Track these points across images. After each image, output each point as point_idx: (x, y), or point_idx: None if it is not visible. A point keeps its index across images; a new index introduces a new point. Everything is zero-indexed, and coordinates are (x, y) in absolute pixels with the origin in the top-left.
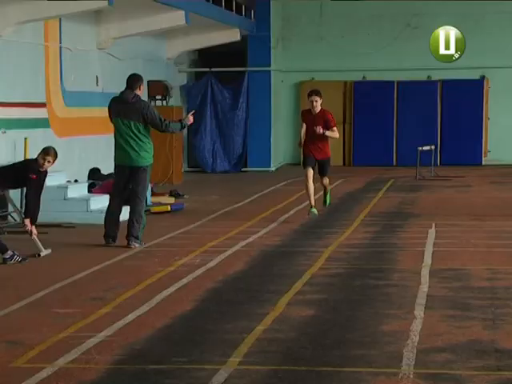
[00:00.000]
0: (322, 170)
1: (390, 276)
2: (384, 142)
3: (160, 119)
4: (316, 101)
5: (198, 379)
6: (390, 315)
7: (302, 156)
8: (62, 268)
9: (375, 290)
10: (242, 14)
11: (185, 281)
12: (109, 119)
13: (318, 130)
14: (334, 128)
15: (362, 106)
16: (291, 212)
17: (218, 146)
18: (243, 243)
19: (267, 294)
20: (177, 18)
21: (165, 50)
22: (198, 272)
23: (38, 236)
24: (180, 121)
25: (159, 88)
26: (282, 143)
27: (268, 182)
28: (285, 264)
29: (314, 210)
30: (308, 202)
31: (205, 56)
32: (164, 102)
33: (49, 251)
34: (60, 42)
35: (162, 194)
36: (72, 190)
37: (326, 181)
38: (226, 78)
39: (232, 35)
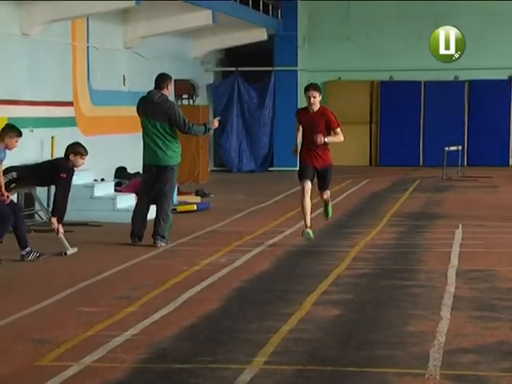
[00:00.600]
0: (322, 182)
1: (416, 276)
2: (410, 142)
3: (184, 120)
4: (314, 96)
5: (224, 379)
6: (416, 316)
7: (298, 165)
8: (88, 267)
9: (401, 291)
10: (268, 14)
11: (210, 280)
12: (135, 118)
13: (318, 140)
14: (338, 130)
15: (389, 106)
16: (316, 212)
17: (245, 145)
18: (269, 243)
19: (293, 293)
20: (204, 17)
21: (192, 49)
22: (224, 271)
23: (64, 235)
24: (204, 124)
25: (186, 87)
26: None
27: (294, 182)
28: (311, 264)
29: (310, 232)
30: (303, 223)
31: (231, 55)
32: (190, 101)
33: (75, 250)
34: (87, 41)
35: (188, 193)
36: (98, 189)
37: (327, 195)
38: (252, 77)
39: (259, 35)
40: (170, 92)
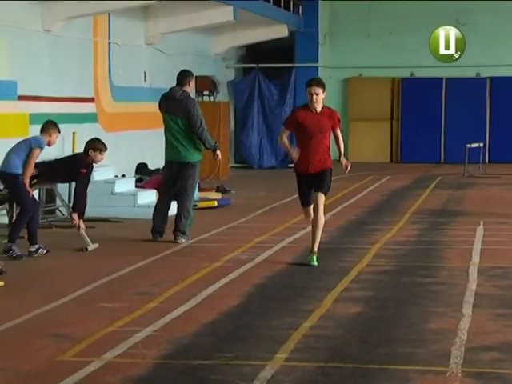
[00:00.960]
0: (319, 183)
1: (437, 274)
2: (432, 138)
3: (200, 121)
4: (317, 93)
5: (244, 375)
6: (437, 313)
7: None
8: (109, 262)
9: (422, 288)
10: (290, 10)
11: (231, 276)
12: (156, 114)
13: (345, 166)
14: (339, 131)
15: (410, 102)
16: (338, 208)
17: (265, 141)
18: (290, 239)
19: (313, 290)
20: (225, 13)
21: (213, 45)
22: (245, 268)
23: (85, 230)
24: (216, 142)
25: (207, 83)
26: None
27: None
28: (331, 260)
29: (313, 259)
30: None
31: (252, 52)
32: (211, 98)
33: (96, 246)
34: (109, 38)
35: (209, 190)
36: (119, 185)
37: (319, 202)
38: (273, 73)
39: (280, 31)
40: (191, 89)
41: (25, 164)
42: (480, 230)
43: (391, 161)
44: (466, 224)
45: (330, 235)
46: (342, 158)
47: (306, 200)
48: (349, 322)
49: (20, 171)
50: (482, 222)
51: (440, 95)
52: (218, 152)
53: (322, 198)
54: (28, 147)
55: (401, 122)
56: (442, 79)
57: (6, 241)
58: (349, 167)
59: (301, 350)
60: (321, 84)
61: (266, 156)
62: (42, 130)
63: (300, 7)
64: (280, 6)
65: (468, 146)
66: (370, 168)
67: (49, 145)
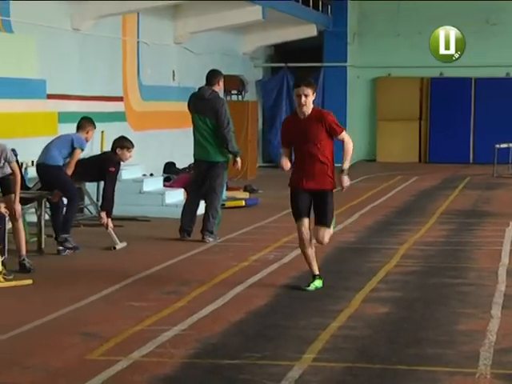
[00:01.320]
0: (319, 211)
1: (466, 275)
2: (460, 139)
3: (228, 121)
4: (306, 95)
5: (272, 375)
6: (466, 314)
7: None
8: (137, 261)
9: (451, 289)
10: (318, 10)
11: (259, 276)
12: (185, 113)
13: (344, 184)
14: (344, 135)
15: (439, 102)
16: (366, 209)
17: None
18: None
19: (342, 290)
20: (254, 12)
21: (241, 44)
22: (273, 267)
23: (113, 229)
24: (239, 150)
25: (235, 83)
26: (356, 139)
27: None
28: (359, 261)
29: (318, 284)
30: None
31: (281, 51)
32: (240, 97)
33: (124, 244)
34: (138, 37)
35: (237, 189)
36: (147, 184)
37: (323, 236)
38: (301, 73)
39: (308, 31)
40: (220, 88)
41: (67, 164)
42: (509, 231)
43: (420, 161)
44: (495, 225)
45: (358, 235)
46: (343, 173)
47: (299, 211)
48: (377, 323)
49: (59, 162)
50: (511, 223)
51: (469, 95)
52: (239, 159)
53: (326, 234)
54: (70, 145)
55: (429, 121)
56: (471, 79)
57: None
58: (345, 185)
59: (329, 350)
60: (310, 84)
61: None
62: (79, 128)
63: (329, 6)
64: (309, 6)
65: (497, 146)
66: (399, 168)
67: (86, 141)
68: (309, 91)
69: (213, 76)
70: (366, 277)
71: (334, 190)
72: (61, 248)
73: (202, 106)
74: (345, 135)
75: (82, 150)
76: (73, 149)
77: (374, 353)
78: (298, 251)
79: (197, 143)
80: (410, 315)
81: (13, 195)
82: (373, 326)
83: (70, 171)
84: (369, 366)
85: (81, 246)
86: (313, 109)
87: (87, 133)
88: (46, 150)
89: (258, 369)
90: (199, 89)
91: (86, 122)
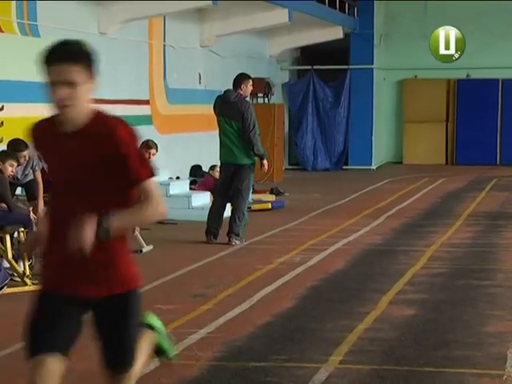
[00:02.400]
0: (111, 343)
1: (493, 276)
2: (487, 140)
3: (254, 125)
4: (72, 82)
5: (299, 377)
6: (493, 316)
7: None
8: (163, 264)
9: (478, 291)
10: (345, 12)
11: (285, 279)
12: (211, 116)
13: (77, 243)
14: (149, 185)
15: (466, 104)
16: (392, 211)
17: (319, 143)
18: (344, 241)
19: (368, 292)
20: (280, 15)
21: (267, 47)
22: (299, 270)
23: (140, 232)
24: (265, 152)
25: (261, 85)
26: (383, 141)
27: (369, 181)
28: (386, 263)
29: None
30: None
31: (307, 53)
32: (266, 100)
33: (151, 247)
34: (164, 40)
35: (263, 192)
36: (174, 187)
37: None
38: (328, 75)
39: (335, 33)
40: (247, 91)
41: None
42: None
43: (446, 163)
44: None
45: (385, 237)
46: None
47: (39, 338)
48: (403, 325)
49: None
50: None
51: (496, 96)
52: (265, 162)
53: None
54: None
55: (456, 123)
56: (498, 80)
57: None
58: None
59: (355, 352)
60: (79, 58)
61: (321, 158)
62: None
63: (355, 8)
64: (335, 8)
65: None
66: (425, 170)
67: None
68: (77, 73)
69: (238, 79)
70: (393, 279)
71: None
72: None
73: (228, 108)
74: (152, 190)
75: None
76: None
77: (401, 355)
78: (324, 254)
79: (223, 146)
80: (436, 317)
81: (37, 202)
82: (399, 328)
83: None
84: (395, 368)
85: None
86: (95, 114)
87: None
88: None
89: (284, 371)
90: (225, 92)
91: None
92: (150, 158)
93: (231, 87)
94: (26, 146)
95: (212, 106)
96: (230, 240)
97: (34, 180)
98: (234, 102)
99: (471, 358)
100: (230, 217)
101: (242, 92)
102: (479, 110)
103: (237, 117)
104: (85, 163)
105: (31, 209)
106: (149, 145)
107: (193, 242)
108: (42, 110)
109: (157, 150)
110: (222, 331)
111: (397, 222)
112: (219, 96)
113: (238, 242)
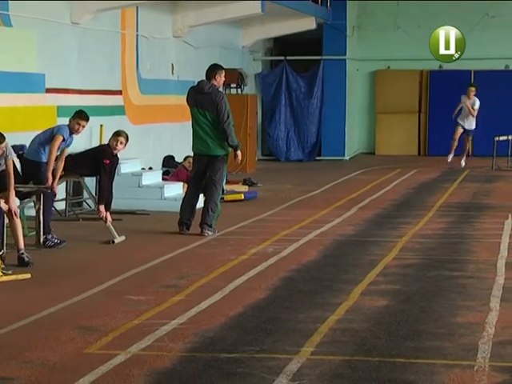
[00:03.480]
0: None
1: (465, 267)
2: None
3: (228, 115)
4: None
5: (271, 368)
6: (464, 307)
7: None
8: (135, 255)
9: (450, 281)
10: (317, 3)
11: (258, 269)
12: (184, 107)
13: None
14: None
15: (438, 95)
16: (365, 202)
17: (292, 134)
18: (316, 232)
19: (340, 283)
20: (253, 6)
21: (240, 38)
22: (271, 261)
23: (112, 223)
24: (239, 143)
25: (234, 76)
26: (356, 132)
27: (342, 171)
28: (358, 254)
29: None
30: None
31: (280, 44)
32: (239, 91)
33: (123, 238)
34: (137, 30)
35: (236, 183)
36: (146, 178)
37: None
38: (301, 66)
39: (308, 24)
40: (221, 82)
41: (49, 153)
42: (508, 224)
43: (419, 154)
44: (494, 217)
45: (358, 228)
46: None
47: None
48: (375, 316)
49: (41, 159)
50: (510, 216)
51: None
52: (239, 153)
53: None
54: (51, 134)
55: (429, 114)
56: (470, 72)
57: (33, 233)
58: None
59: (327, 343)
60: None
61: (293, 149)
62: (74, 116)
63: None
64: None
65: (496, 138)
66: (398, 161)
67: (72, 132)
68: None
69: (211, 70)
70: (365, 270)
71: None
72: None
73: (202, 99)
74: None
75: (63, 136)
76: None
77: (373, 345)
78: (297, 245)
79: (196, 137)
80: (408, 308)
81: (7, 192)
82: (371, 318)
83: (51, 157)
84: (367, 358)
85: (79, 241)
86: None
87: (77, 123)
88: (30, 144)
89: (256, 362)
90: (198, 83)
91: (76, 114)
92: (117, 145)
93: (204, 78)
94: (4, 138)
95: (185, 96)
96: (202, 231)
97: (6, 171)
98: (208, 93)
99: (442, 349)
100: (203, 208)
101: (215, 83)
102: (452, 101)
103: (211, 108)
104: None
105: (2, 200)
106: (118, 132)
107: (165, 232)
108: (15, 100)
109: (126, 140)
110: (194, 322)
111: (369, 212)
112: (192, 87)
113: (210, 233)
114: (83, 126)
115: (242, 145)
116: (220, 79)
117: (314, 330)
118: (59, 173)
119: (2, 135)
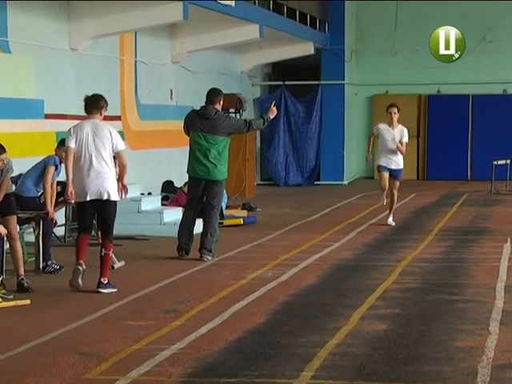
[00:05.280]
0: None
1: (464, 291)
2: (458, 155)
3: (243, 123)
4: None
5: None
6: (464, 331)
7: None
8: (135, 280)
9: (449, 305)
10: (316, 28)
11: (257, 294)
12: (183, 132)
13: None
14: None
15: (437, 119)
16: (364, 226)
17: (291, 159)
18: (316, 257)
19: (340, 308)
20: (251, 31)
21: (239, 63)
22: (271, 285)
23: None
24: (261, 116)
25: (233, 101)
26: (354, 157)
27: (341, 196)
28: (357, 278)
29: None
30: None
31: (278, 69)
32: (237, 115)
33: (122, 263)
34: (135, 56)
35: (235, 207)
36: (146, 203)
37: None
38: (299, 91)
39: (306, 49)
40: (220, 107)
41: (43, 185)
42: (507, 248)
43: (418, 178)
44: (492, 241)
45: (357, 253)
46: None
47: None
48: (375, 340)
49: (34, 194)
50: (509, 239)
51: (466, 112)
52: (273, 110)
53: None
54: (43, 167)
55: (427, 138)
56: (468, 96)
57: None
58: None
59: (327, 367)
60: None
61: (292, 173)
62: (58, 145)
63: (326, 24)
64: (306, 24)
65: (495, 162)
66: None
67: (61, 161)
68: None
69: (215, 94)
70: (364, 294)
71: None
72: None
73: (207, 124)
74: None
75: (56, 165)
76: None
77: (372, 370)
78: (296, 269)
79: (196, 161)
80: (407, 332)
81: (10, 217)
82: (371, 343)
83: (47, 189)
84: (366, 383)
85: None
86: None
87: (64, 151)
88: (22, 179)
89: None
90: (202, 107)
91: (61, 143)
92: None
93: (203, 103)
94: (4, 150)
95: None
96: (201, 256)
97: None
98: (216, 119)
99: (441, 373)
100: (202, 232)
101: (218, 107)
102: (450, 125)
103: (219, 132)
104: None
105: (1, 226)
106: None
107: (165, 257)
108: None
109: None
110: (194, 347)
111: (368, 237)
112: (194, 111)
113: (210, 258)
114: None
115: (241, 170)
116: (221, 104)
117: (314, 354)
118: (53, 202)
119: (3, 146)
